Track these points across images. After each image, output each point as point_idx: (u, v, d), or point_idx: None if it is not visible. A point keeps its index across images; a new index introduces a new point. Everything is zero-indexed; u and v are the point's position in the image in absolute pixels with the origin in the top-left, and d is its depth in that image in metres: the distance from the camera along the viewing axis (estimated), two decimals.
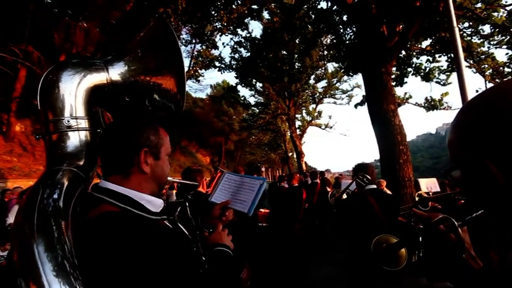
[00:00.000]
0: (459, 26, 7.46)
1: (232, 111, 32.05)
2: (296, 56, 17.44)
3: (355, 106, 12.58)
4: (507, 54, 8.72)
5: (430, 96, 11.94)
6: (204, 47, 14.10)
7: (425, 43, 9.24)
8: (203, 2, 8.29)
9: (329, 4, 8.75)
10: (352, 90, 21.99)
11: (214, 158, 32.89)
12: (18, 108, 11.39)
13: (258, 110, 24.31)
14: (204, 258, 1.02)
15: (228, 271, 0.98)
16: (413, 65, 10.09)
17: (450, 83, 10.69)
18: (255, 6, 9.74)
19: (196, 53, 15.92)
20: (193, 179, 2.58)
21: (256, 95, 23.40)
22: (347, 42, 9.66)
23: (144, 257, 0.73)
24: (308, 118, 23.84)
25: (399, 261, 1.48)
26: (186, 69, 1.27)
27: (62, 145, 0.97)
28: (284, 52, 17.11)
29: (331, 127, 23.10)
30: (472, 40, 8.85)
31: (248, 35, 14.75)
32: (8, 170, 10.09)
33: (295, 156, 23.93)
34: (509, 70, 9.19)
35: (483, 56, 9.12)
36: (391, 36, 6.73)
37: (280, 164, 41.21)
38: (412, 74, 10.23)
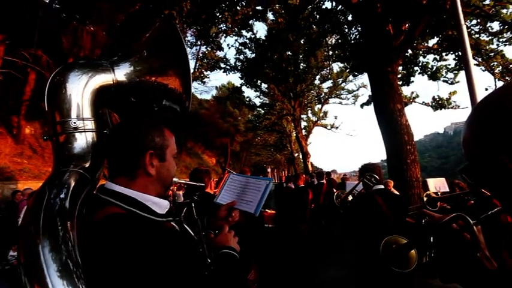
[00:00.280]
0: (467, 23, 7.36)
1: (238, 112, 32.13)
2: (301, 56, 17.35)
3: (361, 106, 12.52)
4: None
5: (438, 95, 11.72)
6: (209, 48, 14.16)
7: (432, 41, 9.10)
8: (208, 3, 8.32)
9: (334, 4, 8.73)
10: (357, 90, 21.89)
11: (220, 159, 32.97)
12: (28, 111, 11.63)
13: (263, 111, 24.34)
14: (209, 260, 1.01)
15: (234, 274, 0.97)
16: (420, 64, 9.94)
17: (458, 82, 10.48)
18: (259, 8, 9.76)
19: (201, 54, 16.07)
20: (201, 179, 2.58)
21: (261, 96, 23.46)
22: (352, 42, 9.61)
23: (149, 259, 0.72)
24: (314, 118, 23.83)
25: (409, 263, 1.45)
26: (191, 70, 1.26)
27: (68, 146, 0.97)
28: (289, 53, 17.05)
29: (337, 127, 23.04)
30: (481, 38, 8.68)
31: (253, 36, 14.83)
32: (19, 171, 10.29)
33: (301, 156, 23.88)
34: None
35: (492, 54, 8.95)
36: (397, 35, 6.65)
37: (286, 165, 41.16)
38: (419, 73, 10.09)
